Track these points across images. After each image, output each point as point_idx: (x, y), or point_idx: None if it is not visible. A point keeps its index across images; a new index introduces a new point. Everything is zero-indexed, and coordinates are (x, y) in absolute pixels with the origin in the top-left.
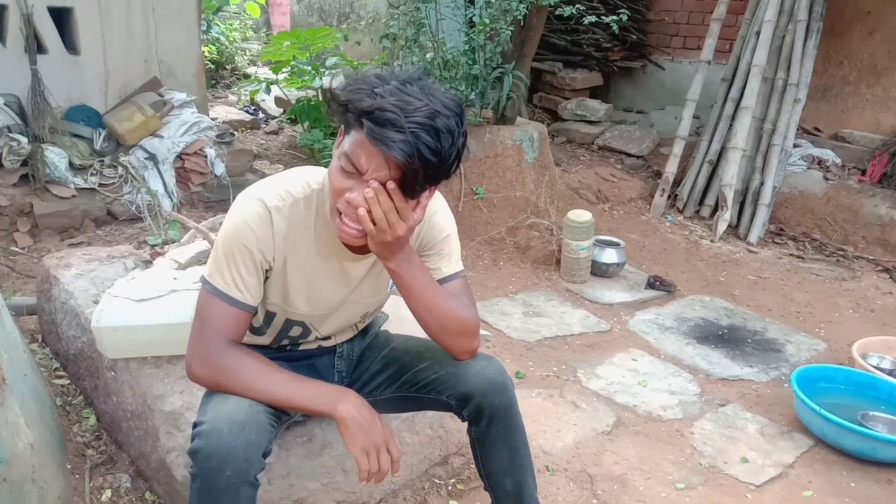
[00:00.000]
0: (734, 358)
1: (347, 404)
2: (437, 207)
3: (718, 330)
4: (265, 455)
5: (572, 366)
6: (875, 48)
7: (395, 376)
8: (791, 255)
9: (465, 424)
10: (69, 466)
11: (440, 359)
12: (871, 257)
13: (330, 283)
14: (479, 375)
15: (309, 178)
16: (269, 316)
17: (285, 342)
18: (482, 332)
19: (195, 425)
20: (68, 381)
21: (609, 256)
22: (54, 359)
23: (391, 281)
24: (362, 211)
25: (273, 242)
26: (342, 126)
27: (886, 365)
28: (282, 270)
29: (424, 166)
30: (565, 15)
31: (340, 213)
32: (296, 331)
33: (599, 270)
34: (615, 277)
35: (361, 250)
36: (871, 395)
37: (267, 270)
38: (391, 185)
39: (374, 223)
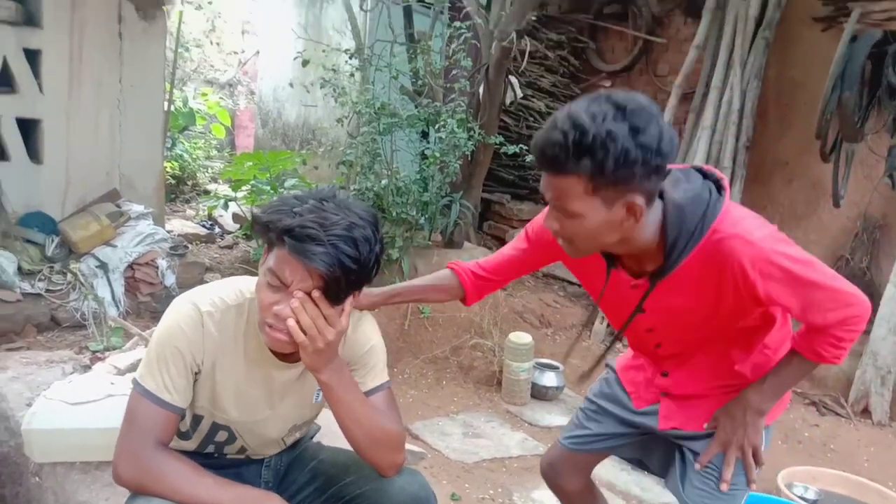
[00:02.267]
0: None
1: None
2: (364, 320)
3: None
4: None
5: (509, 489)
6: (794, 195)
7: (322, 489)
8: None
9: None
10: None
11: (366, 474)
12: (798, 390)
13: (256, 390)
14: (402, 491)
15: (243, 287)
16: (196, 419)
17: (210, 448)
18: (417, 448)
19: None
20: None
21: (549, 379)
22: None
23: (318, 392)
24: (291, 322)
25: (203, 345)
26: (266, 245)
27: (811, 495)
28: (210, 374)
29: (346, 274)
30: (509, 153)
31: (270, 325)
32: (221, 436)
33: (539, 393)
34: (555, 401)
35: (289, 358)
36: None
37: (196, 373)
38: (316, 293)
39: (304, 332)
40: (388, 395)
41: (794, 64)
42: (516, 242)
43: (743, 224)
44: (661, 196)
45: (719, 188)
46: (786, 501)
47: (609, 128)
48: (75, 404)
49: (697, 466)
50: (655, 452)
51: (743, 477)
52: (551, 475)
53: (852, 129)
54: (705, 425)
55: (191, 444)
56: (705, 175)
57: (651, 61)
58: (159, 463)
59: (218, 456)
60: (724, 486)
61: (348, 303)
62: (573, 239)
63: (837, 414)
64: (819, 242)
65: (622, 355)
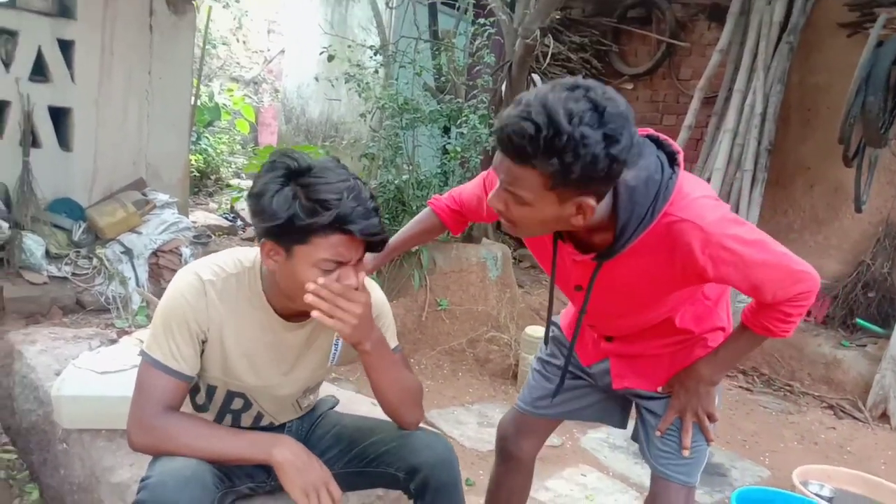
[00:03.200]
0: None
1: (283, 448)
2: (370, 287)
3: None
4: None
5: None
6: (815, 200)
7: (345, 451)
8: (740, 387)
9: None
10: None
11: (390, 432)
12: (816, 393)
13: (268, 354)
14: (428, 448)
15: (241, 256)
16: (211, 390)
17: (228, 418)
18: (433, 430)
19: (142, 480)
20: (15, 456)
21: None
22: (5, 433)
23: (333, 355)
24: (310, 297)
25: (207, 313)
26: (277, 245)
27: (826, 493)
28: (218, 342)
29: (381, 224)
30: None
31: None
32: (237, 403)
33: None
34: None
35: (297, 319)
36: None
37: (203, 342)
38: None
39: (330, 316)
40: (402, 355)
41: (818, 69)
42: (478, 188)
43: (695, 207)
44: None
45: (672, 161)
46: (802, 498)
47: (584, 132)
48: (103, 373)
49: (658, 434)
50: (613, 411)
51: (701, 436)
52: (508, 442)
53: (876, 134)
54: (660, 388)
55: (208, 416)
56: (659, 144)
57: (674, 65)
58: (169, 424)
59: (236, 426)
60: (684, 452)
61: (361, 269)
62: (517, 222)
63: (855, 418)
64: (840, 247)
65: (565, 311)
